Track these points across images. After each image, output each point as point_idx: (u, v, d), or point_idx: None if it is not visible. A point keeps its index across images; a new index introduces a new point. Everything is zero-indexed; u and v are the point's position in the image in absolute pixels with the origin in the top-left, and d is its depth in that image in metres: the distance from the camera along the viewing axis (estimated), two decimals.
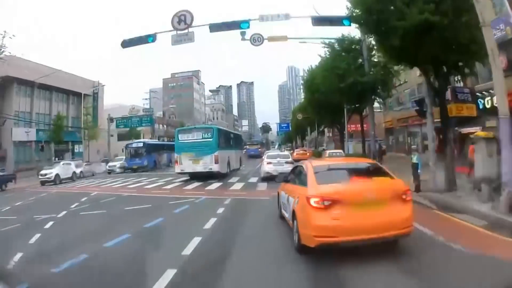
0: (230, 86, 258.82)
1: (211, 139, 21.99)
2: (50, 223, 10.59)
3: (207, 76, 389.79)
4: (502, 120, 8.96)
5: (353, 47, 24.45)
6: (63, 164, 31.36)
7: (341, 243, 5.70)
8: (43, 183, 27.65)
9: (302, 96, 60.00)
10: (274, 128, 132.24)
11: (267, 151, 36.63)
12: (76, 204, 14.62)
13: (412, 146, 17.37)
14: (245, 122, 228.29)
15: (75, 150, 49.81)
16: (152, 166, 38.25)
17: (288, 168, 15.82)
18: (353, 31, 23.23)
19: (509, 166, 8.65)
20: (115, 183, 24.06)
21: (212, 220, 9.44)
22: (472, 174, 12.35)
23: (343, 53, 24.64)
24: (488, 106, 20.10)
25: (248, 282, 5.34)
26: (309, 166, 7.12)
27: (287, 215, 7.77)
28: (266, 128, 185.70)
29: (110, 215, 11.92)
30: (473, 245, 6.40)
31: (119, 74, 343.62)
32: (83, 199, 16.09)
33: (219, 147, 22.12)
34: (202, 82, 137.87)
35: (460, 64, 12.88)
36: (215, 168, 21.41)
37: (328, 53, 26.19)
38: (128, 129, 55.87)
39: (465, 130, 20.75)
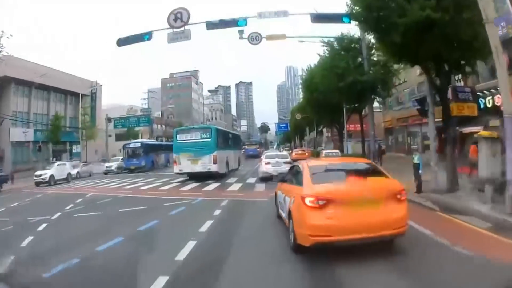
0: (229, 86, 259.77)
1: (209, 139, 21.95)
2: (44, 225, 10.46)
3: (206, 76, 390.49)
4: (506, 119, 8.70)
5: (352, 46, 24.30)
6: (58, 165, 31.01)
7: (336, 242, 5.74)
8: (37, 184, 27.37)
9: (301, 96, 59.86)
10: (273, 128, 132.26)
11: (265, 151, 36.49)
12: (71, 205, 14.44)
13: (413, 146, 17.15)
14: (243, 122, 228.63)
15: (73, 151, 49.60)
16: (149, 167, 38.00)
17: (286, 168, 15.59)
18: (353, 29, 23.15)
19: None
20: (112, 184, 23.84)
21: (208, 223, 9.18)
22: (474, 174, 12.23)
23: (342, 52, 24.47)
24: (489, 105, 19.91)
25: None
26: (305, 166, 7.17)
27: (284, 214, 7.80)
28: (264, 128, 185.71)
29: (105, 217, 11.72)
30: (478, 248, 6.21)
31: (118, 74, 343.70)
32: (78, 200, 15.91)
33: (217, 147, 22.08)
34: (200, 82, 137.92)
35: (462, 62, 12.69)
36: (213, 168, 21.37)
37: (327, 52, 26.06)
38: (126, 129, 55.73)
39: (466, 129, 20.52)
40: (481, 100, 20.55)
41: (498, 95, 19.15)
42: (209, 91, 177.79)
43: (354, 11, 14.05)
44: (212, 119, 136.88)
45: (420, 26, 10.84)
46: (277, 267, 5.79)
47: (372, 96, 24.99)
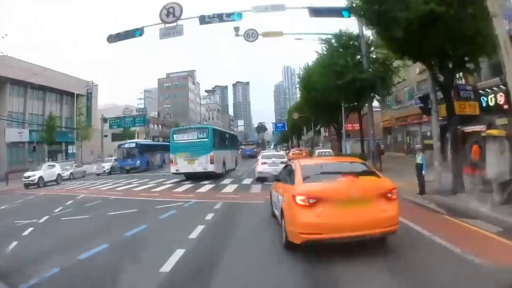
0: (226, 86, 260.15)
1: (206, 139, 21.96)
2: (30, 229, 10.10)
3: (203, 77, 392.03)
4: None
5: (351, 43, 24.01)
6: (47, 166, 30.28)
7: (326, 240, 5.84)
8: (26, 185, 26.59)
9: (298, 96, 59.52)
10: (270, 128, 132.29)
11: (262, 151, 36.31)
12: (60, 208, 14.06)
13: (416, 146, 16.72)
14: (240, 122, 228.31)
15: (69, 151, 49.02)
16: (144, 167, 37.54)
17: None
18: (351, 26, 22.81)
19: None
20: (105, 185, 23.38)
21: (199, 228, 8.62)
22: (477, 174, 11.83)
23: (340, 49, 24.17)
24: (491, 104, 19.47)
25: None
26: (297, 165, 7.33)
27: (277, 213, 7.92)
28: (262, 128, 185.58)
29: (92, 221, 11.29)
30: (489, 255, 5.72)
31: (115, 74, 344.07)
32: (68, 203, 15.52)
33: (214, 147, 22.08)
34: (197, 82, 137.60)
35: (466, 59, 12.24)
36: (210, 168, 21.41)
37: (325, 49, 25.66)
38: (122, 129, 55.32)
39: (468, 128, 20.07)
40: (483, 99, 20.09)
41: (501, 93, 18.76)
42: (206, 91, 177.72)
43: (354, 5, 13.61)
44: (209, 119, 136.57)
45: (423, 21, 10.41)
46: (270, 277, 5.45)
47: (372, 94, 24.58)
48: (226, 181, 20.89)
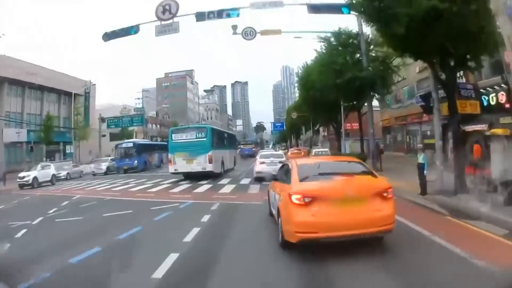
0: (225, 86, 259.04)
1: (205, 139, 21.91)
2: (23, 231, 9.96)
3: (201, 76, 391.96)
4: None
5: (350, 41, 23.82)
6: (42, 166, 29.96)
7: (321, 239, 5.86)
8: (21, 186, 26.33)
9: (297, 95, 59.32)
10: (269, 127, 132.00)
11: (260, 151, 36.19)
12: (55, 209, 13.89)
13: (418, 145, 16.51)
14: (239, 122, 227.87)
15: (67, 151, 48.83)
16: (142, 167, 37.25)
17: None
18: (351, 25, 22.57)
19: None
20: (101, 186, 23.11)
21: (195, 231, 8.34)
22: (478, 174, 11.70)
23: (340, 48, 24.01)
24: (493, 103, 19.23)
25: None
26: (294, 164, 7.34)
27: (274, 212, 7.92)
28: (260, 128, 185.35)
29: (86, 223, 11.12)
30: (496, 259, 5.44)
31: (114, 74, 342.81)
32: (63, 203, 15.35)
33: (213, 147, 22.02)
34: (196, 82, 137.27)
35: (468, 56, 11.99)
36: (209, 167, 21.36)
37: (324, 48, 25.41)
38: (120, 129, 54.99)
39: (469, 128, 19.86)
40: (484, 98, 19.86)
41: (502, 92, 18.54)
42: (204, 90, 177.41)
43: (353, 1, 13.32)
44: (207, 118, 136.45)
45: (425, 17, 10.15)
46: (264, 278, 5.38)
47: (371, 93, 24.36)
48: (224, 181, 20.68)
